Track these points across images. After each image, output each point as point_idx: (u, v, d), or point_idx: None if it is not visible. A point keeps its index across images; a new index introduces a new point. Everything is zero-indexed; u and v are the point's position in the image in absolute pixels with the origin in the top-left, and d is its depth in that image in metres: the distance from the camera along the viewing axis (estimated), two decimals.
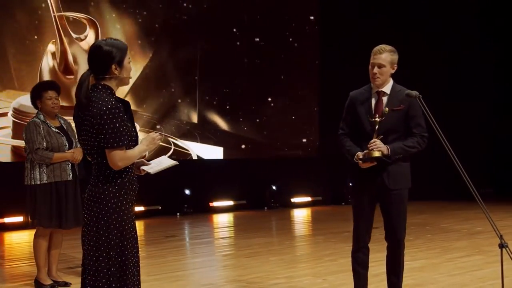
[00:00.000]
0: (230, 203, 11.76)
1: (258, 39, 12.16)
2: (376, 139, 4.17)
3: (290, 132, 12.59)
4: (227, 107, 11.80)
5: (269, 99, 12.33)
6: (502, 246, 3.68)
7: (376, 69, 4.25)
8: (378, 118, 4.18)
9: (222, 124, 11.72)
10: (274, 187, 12.09)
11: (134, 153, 3.19)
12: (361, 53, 12.33)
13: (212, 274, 6.06)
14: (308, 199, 12.71)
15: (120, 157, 3.10)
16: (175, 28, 11.10)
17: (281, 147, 12.50)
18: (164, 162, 3.41)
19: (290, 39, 12.61)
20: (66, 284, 5.49)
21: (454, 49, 13.69)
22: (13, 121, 9.43)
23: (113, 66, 3.20)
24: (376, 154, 4.14)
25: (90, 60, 3.24)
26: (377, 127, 4.18)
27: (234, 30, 11.88)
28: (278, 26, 12.40)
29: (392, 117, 4.23)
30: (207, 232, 9.65)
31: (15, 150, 9.48)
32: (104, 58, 3.19)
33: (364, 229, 4.41)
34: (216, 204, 11.57)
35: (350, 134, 4.40)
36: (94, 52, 3.22)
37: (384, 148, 4.17)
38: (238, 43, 11.92)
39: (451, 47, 13.66)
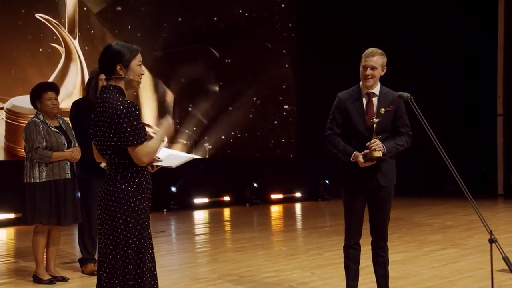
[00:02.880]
0: (214, 199, 11.64)
1: (238, 43, 12.05)
2: (376, 139, 4.10)
3: (269, 133, 12.53)
4: (210, 109, 11.68)
5: (251, 103, 12.24)
6: (491, 241, 3.62)
7: (369, 71, 4.18)
8: (376, 119, 4.12)
9: (205, 125, 11.59)
10: (255, 185, 12.00)
11: (155, 144, 3.10)
12: (336, 57, 12.49)
13: (204, 268, 5.93)
14: (287, 195, 12.66)
15: (144, 153, 3.01)
16: (157, 32, 10.94)
17: (261, 147, 12.42)
18: (176, 155, 3.28)
19: (268, 43, 12.53)
20: (64, 279, 5.33)
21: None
22: (6, 121, 9.19)
23: (118, 67, 3.07)
24: (378, 154, 4.06)
25: (99, 59, 3.13)
26: (375, 127, 4.11)
27: (217, 34, 11.75)
28: (257, 30, 12.32)
29: (384, 117, 4.18)
30: (194, 228, 9.51)
31: (8, 149, 9.22)
32: (110, 58, 3.08)
33: (355, 226, 4.33)
34: (200, 200, 11.43)
35: (340, 134, 4.30)
36: (103, 51, 3.12)
37: (383, 148, 4.11)
38: (219, 46, 11.78)
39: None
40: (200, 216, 10.65)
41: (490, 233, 3.65)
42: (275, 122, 12.64)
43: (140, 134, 3.00)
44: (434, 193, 13.61)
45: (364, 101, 4.26)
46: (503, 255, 3.58)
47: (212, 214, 10.83)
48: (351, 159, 4.17)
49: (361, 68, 4.25)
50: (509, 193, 14.20)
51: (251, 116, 12.27)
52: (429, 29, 14.02)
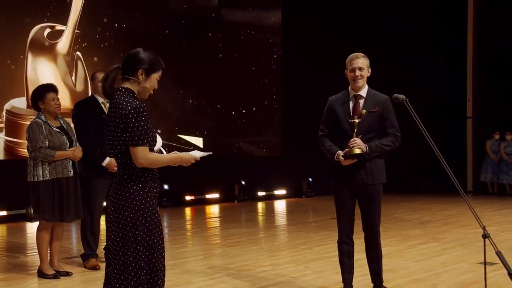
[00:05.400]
0: (204, 196, 11.51)
1: (229, 54, 11.95)
2: (356, 138, 4.07)
3: (257, 134, 12.45)
4: (205, 112, 11.56)
5: (241, 107, 12.17)
6: (485, 236, 3.54)
7: (358, 72, 4.18)
8: (357, 119, 4.10)
9: (198, 127, 11.46)
10: (243, 182, 11.89)
11: (161, 159, 2.99)
12: (320, 60, 12.43)
13: (202, 263, 5.80)
14: (273, 192, 12.57)
15: (142, 155, 2.89)
16: (160, 40, 10.77)
17: (249, 147, 12.33)
18: (197, 153, 3.16)
19: (256, 54, 12.44)
20: (68, 273, 5.19)
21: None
22: (6, 122, 8.97)
23: (140, 71, 2.98)
24: (357, 151, 4.05)
25: (124, 58, 3.04)
26: (356, 127, 4.09)
27: (210, 47, 11.63)
28: (246, 42, 12.25)
29: (369, 118, 4.15)
30: (187, 224, 9.36)
31: (8, 148, 9.00)
32: (136, 61, 2.99)
33: (346, 222, 4.28)
34: (191, 197, 11.29)
35: (329, 135, 4.27)
36: (131, 54, 3.03)
37: (363, 146, 4.08)
38: (211, 57, 11.66)
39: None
40: (191, 213, 10.49)
41: (484, 228, 3.58)
42: (262, 123, 12.54)
43: (143, 136, 2.88)
44: (409, 190, 13.62)
45: (351, 103, 4.24)
46: (496, 249, 3.51)
47: (203, 211, 10.68)
48: (335, 158, 4.13)
49: (348, 72, 4.23)
50: (477, 190, 14.32)
51: (239, 118, 12.16)
52: (403, 33, 14.04)
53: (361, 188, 4.17)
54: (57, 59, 9.51)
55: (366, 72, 4.21)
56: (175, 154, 3.09)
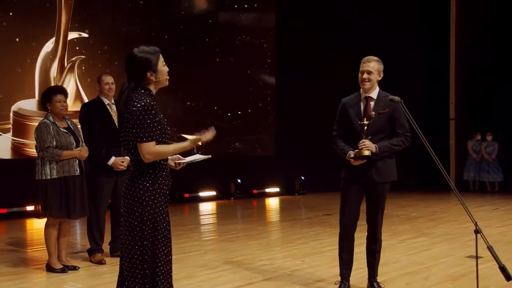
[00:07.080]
0: (202, 194, 11.44)
1: (225, 57, 11.89)
2: (365, 140, 4.04)
3: (252, 135, 12.40)
4: (202, 113, 11.49)
5: (236, 108, 12.11)
6: (477, 232, 3.52)
7: (365, 75, 4.16)
8: (366, 121, 4.07)
9: (196, 127, 11.37)
10: (238, 180, 11.84)
11: (167, 149, 2.91)
12: (310, 67, 12.40)
13: (203, 257, 5.74)
14: (267, 190, 12.52)
15: (148, 151, 2.83)
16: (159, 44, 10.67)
17: (244, 146, 12.29)
18: (197, 156, 3.12)
19: (251, 57, 12.37)
20: (75, 268, 5.13)
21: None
22: (13, 122, 8.87)
23: (148, 73, 2.92)
24: (366, 153, 4.03)
25: (126, 69, 2.95)
26: (365, 129, 4.06)
27: (207, 51, 11.56)
28: (241, 45, 12.19)
29: (379, 119, 4.13)
30: (187, 220, 9.28)
31: (15, 148, 8.90)
32: (139, 67, 2.91)
33: (350, 220, 4.26)
34: (189, 195, 11.22)
35: (342, 136, 4.25)
36: (130, 62, 2.93)
37: (373, 147, 4.06)
38: (208, 60, 11.59)
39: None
40: (190, 209, 10.42)
41: (476, 224, 3.55)
42: (256, 124, 12.49)
43: (147, 133, 2.83)
44: (395, 188, 13.60)
45: (362, 105, 4.21)
46: (488, 244, 3.48)
47: (201, 207, 10.62)
48: (346, 158, 4.11)
49: (359, 74, 4.19)
50: (459, 188, 14.35)
51: (235, 119, 12.11)
52: (388, 36, 14.03)
53: (370, 185, 4.15)
54: (52, 64, 9.39)
55: (376, 76, 4.18)
56: (181, 144, 2.99)
